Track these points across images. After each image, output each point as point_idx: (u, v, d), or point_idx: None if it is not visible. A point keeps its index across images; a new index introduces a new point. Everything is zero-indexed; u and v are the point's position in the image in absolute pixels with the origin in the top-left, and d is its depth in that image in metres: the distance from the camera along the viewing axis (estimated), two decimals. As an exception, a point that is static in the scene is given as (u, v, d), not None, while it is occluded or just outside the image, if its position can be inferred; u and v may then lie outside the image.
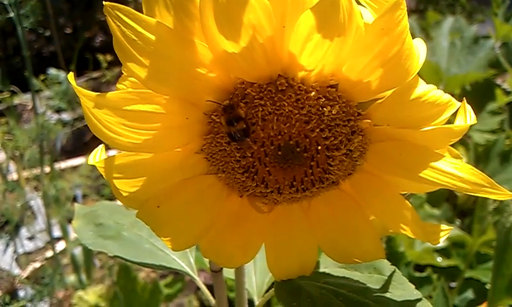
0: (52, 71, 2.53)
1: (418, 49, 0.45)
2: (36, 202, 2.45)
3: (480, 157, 2.16)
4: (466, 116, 0.50)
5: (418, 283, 1.63)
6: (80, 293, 1.86)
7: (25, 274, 2.28)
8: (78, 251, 2.14)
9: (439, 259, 1.83)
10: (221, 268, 0.66)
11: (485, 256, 1.77)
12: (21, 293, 2.20)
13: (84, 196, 2.43)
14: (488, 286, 1.39)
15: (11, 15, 1.62)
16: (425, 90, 0.45)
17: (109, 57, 2.28)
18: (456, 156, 0.52)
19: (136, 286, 1.82)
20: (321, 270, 0.61)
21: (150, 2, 0.41)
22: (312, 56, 0.42)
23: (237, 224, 0.53)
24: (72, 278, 2.14)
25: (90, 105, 0.43)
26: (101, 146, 0.52)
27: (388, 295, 0.56)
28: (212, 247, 0.54)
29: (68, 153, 3.04)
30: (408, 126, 0.46)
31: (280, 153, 0.48)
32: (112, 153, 0.50)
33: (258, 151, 0.48)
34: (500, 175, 2.07)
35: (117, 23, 0.41)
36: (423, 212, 1.91)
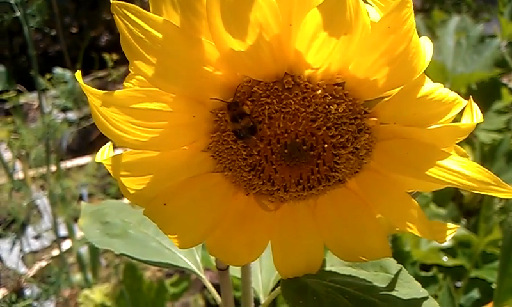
0: (58, 70, 2.54)
1: (425, 47, 0.45)
2: (42, 201, 2.46)
3: (486, 156, 2.15)
4: (473, 115, 0.50)
5: (424, 283, 1.61)
6: (86, 292, 1.87)
7: (32, 272, 2.29)
8: (84, 250, 2.15)
9: (445, 258, 1.83)
10: (228, 267, 0.67)
11: (491, 256, 1.77)
12: (27, 292, 2.21)
13: (90, 195, 2.44)
14: (493, 286, 1.39)
15: (18, 14, 1.62)
16: (432, 88, 0.45)
17: (115, 56, 2.28)
18: (463, 154, 0.51)
19: (141, 285, 1.83)
20: (327, 268, 0.61)
21: (157, 1, 0.42)
22: (319, 54, 0.42)
23: (243, 222, 0.53)
24: (78, 277, 2.15)
25: (97, 103, 0.43)
26: (108, 144, 0.53)
27: (394, 293, 0.56)
28: (218, 245, 0.54)
29: (74, 152, 3.05)
30: (415, 125, 0.46)
31: (286, 151, 0.48)
32: (119, 152, 0.50)
33: (264, 149, 0.48)
34: (506, 174, 2.07)
35: (124, 21, 0.41)
36: (429, 211, 1.91)
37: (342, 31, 0.40)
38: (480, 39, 2.65)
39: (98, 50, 3.02)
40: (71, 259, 2.36)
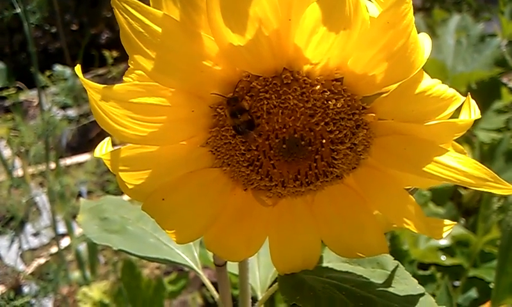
0: (58, 67, 2.54)
1: (423, 43, 0.45)
2: (41, 198, 2.46)
3: (486, 156, 2.15)
4: (471, 111, 0.50)
5: (422, 281, 1.61)
6: (84, 289, 1.87)
7: (30, 270, 2.29)
8: (83, 247, 2.15)
9: (443, 257, 1.83)
10: (225, 263, 0.67)
11: (489, 255, 1.77)
12: (26, 289, 2.21)
13: (89, 192, 2.44)
14: (492, 285, 1.39)
15: (18, 10, 1.62)
16: (430, 84, 0.45)
17: (115, 54, 2.28)
18: (460, 151, 0.52)
19: (140, 283, 1.83)
20: (324, 264, 0.61)
21: (157, -5, 0.42)
22: (318, 49, 0.42)
23: (241, 218, 0.54)
24: (76, 274, 2.15)
25: (97, 98, 0.43)
26: (107, 139, 0.53)
27: (391, 289, 0.56)
28: (216, 240, 0.54)
29: (74, 149, 3.05)
30: (413, 121, 0.46)
31: (284, 146, 0.48)
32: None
33: (263, 145, 0.49)
34: (505, 174, 2.07)
35: (124, 15, 0.41)
36: (427, 210, 1.91)
37: (341, 26, 0.40)
38: (480, 38, 2.65)
39: (98, 48, 3.02)
40: (69, 256, 2.36)
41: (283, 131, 0.47)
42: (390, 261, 0.60)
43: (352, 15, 0.39)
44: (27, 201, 2.08)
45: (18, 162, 2.33)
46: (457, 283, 1.80)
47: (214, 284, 0.70)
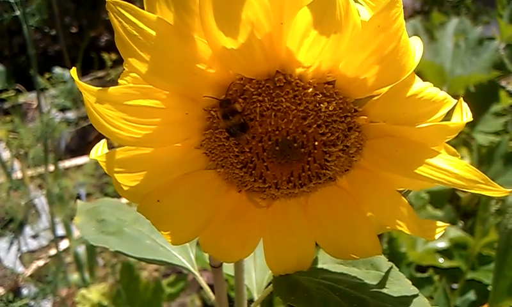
0: (58, 70, 2.55)
1: (415, 47, 0.45)
2: (40, 200, 2.46)
3: (484, 159, 2.16)
4: (463, 114, 0.51)
5: (420, 284, 1.63)
6: (83, 291, 1.87)
7: (29, 272, 2.29)
8: (81, 250, 2.15)
9: (441, 260, 1.83)
10: (221, 264, 0.67)
11: (487, 258, 1.77)
12: (24, 291, 2.21)
13: (88, 195, 2.45)
14: (490, 288, 1.39)
15: (17, 13, 1.63)
16: (422, 87, 0.45)
17: (113, 56, 2.29)
18: (453, 153, 0.52)
19: (138, 285, 1.83)
20: (319, 266, 0.62)
21: (151, -1, 0.42)
22: (309, 53, 0.43)
23: (235, 219, 0.54)
24: (75, 276, 2.15)
25: (92, 100, 0.44)
26: (103, 141, 0.53)
27: (385, 290, 0.57)
28: (211, 241, 0.55)
29: (73, 152, 3.05)
30: (404, 123, 0.47)
31: (277, 148, 0.49)
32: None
33: (256, 147, 0.49)
34: (503, 177, 2.08)
35: (119, 19, 0.41)
36: (425, 213, 1.91)
37: (332, 30, 0.40)
38: (478, 41, 2.66)
39: (97, 51, 3.02)
40: (68, 258, 2.36)
41: (276, 133, 0.48)
42: (384, 263, 0.61)
43: (343, 18, 0.40)
44: (26, 203, 2.08)
45: (17, 164, 2.34)
46: (455, 286, 1.80)
47: (212, 286, 0.71)
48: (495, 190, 0.47)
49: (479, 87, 2.44)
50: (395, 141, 0.48)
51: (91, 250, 2.10)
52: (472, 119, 0.50)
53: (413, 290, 0.57)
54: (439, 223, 0.54)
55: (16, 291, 2.18)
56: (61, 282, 1.96)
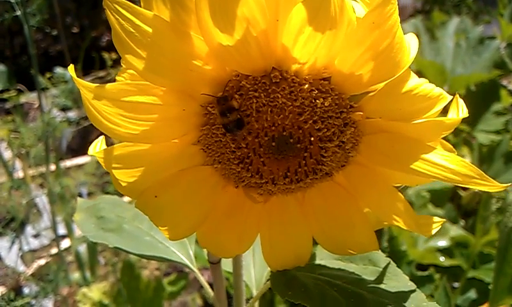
0: (59, 70, 2.55)
1: (410, 44, 0.46)
2: (42, 200, 2.47)
3: (485, 158, 2.16)
4: (458, 110, 0.51)
5: (420, 282, 1.63)
6: (84, 290, 1.88)
7: (30, 271, 2.30)
8: (83, 249, 2.16)
9: (442, 258, 1.83)
10: (219, 260, 0.68)
11: (488, 256, 1.77)
12: (26, 290, 2.22)
13: (89, 194, 2.45)
14: (491, 287, 1.40)
15: (18, 13, 1.63)
16: (417, 83, 0.46)
17: (114, 56, 2.29)
18: (449, 149, 0.52)
19: (139, 284, 1.84)
20: (317, 262, 0.62)
21: (148, -4, 0.43)
22: (305, 49, 0.43)
23: (233, 215, 0.54)
24: (76, 275, 2.16)
25: (89, 96, 0.44)
26: (101, 138, 0.54)
27: (382, 286, 0.57)
28: (208, 236, 0.55)
29: (74, 151, 3.06)
30: (400, 119, 0.47)
31: (273, 144, 0.49)
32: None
33: (252, 142, 0.49)
34: (504, 176, 2.08)
35: (116, 16, 0.42)
36: (426, 211, 1.91)
37: (326, 26, 0.41)
38: (479, 40, 2.66)
39: (98, 50, 3.03)
40: (69, 257, 2.37)
41: (272, 129, 0.48)
42: (381, 258, 0.61)
43: (337, 15, 0.40)
44: (28, 202, 2.09)
45: (18, 164, 2.34)
46: (456, 284, 1.80)
47: (212, 284, 0.71)
48: (490, 185, 0.47)
49: (480, 86, 2.44)
50: (391, 137, 0.48)
51: (93, 249, 2.11)
52: (467, 115, 0.51)
53: (411, 285, 0.57)
54: (435, 219, 0.55)
55: (17, 290, 2.19)
56: (62, 281, 1.97)
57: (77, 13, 4.53)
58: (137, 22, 0.42)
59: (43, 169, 2.01)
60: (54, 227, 1.98)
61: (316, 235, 0.56)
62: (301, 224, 0.55)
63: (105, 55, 2.30)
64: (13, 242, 2.05)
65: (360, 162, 0.52)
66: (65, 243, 2.38)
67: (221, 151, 0.51)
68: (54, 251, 2.37)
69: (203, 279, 0.72)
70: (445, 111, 0.51)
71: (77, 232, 2.10)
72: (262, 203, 0.54)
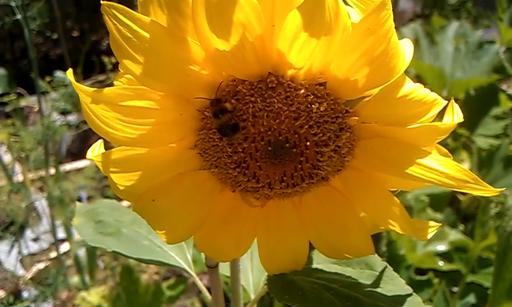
0: (59, 73, 2.56)
1: (405, 49, 0.46)
2: (41, 203, 2.47)
3: (484, 162, 2.16)
4: (454, 115, 0.52)
5: (419, 286, 1.63)
6: (83, 294, 1.88)
7: (30, 274, 2.30)
8: (82, 253, 2.16)
9: (441, 263, 1.83)
10: (217, 264, 0.68)
11: (487, 261, 1.77)
12: (25, 294, 2.22)
13: (89, 198, 2.45)
14: (489, 291, 1.40)
15: (19, 17, 1.64)
16: (412, 88, 0.46)
17: (114, 60, 2.30)
18: (445, 154, 0.53)
19: (138, 288, 1.84)
20: (314, 266, 0.62)
21: (145, 1, 0.43)
22: (300, 54, 0.43)
23: (229, 219, 0.55)
24: (75, 279, 2.16)
25: (88, 101, 0.45)
26: (99, 141, 0.54)
27: (379, 290, 0.57)
28: (205, 240, 0.55)
29: (74, 155, 3.06)
30: (395, 124, 0.47)
31: (270, 148, 0.49)
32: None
33: (249, 147, 0.50)
34: (503, 180, 2.08)
35: (113, 21, 0.42)
36: (425, 216, 1.92)
37: (321, 32, 0.41)
38: (478, 45, 2.67)
39: (99, 54, 3.03)
40: (69, 261, 2.37)
41: (268, 134, 0.49)
42: (378, 262, 0.61)
43: (332, 20, 0.40)
44: (27, 206, 2.09)
45: (18, 167, 2.35)
46: (455, 289, 1.80)
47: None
48: (485, 190, 0.47)
49: (479, 90, 2.45)
50: (386, 142, 0.49)
51: (92, 253, 2.11)
52: (463, 120, 0.51)
53: (407, 289, 0.57)
54: (431, 223, 0.55)
55: (16, 294, 2.19)
56: (62, 285, 1.97)
57: (78, 17, 4.54)
58: (135, 27, 0.42)
59: (42, 172, 2.01)
60: (53, 231, 1.98)
61: (313, 239, 0.56)
62: (297, 229, 0.56)
63: (105, 59, 2.30)
64: (12, 246, 2.06)
65: (355, 166, 0.52)
66: (64, 247, 2.38)
67: (217, 156, 0.51)
68: (53, 254, 2.37)
69: (201, 283, 0.72)
70: (441, 116, 0.51)
71: (76, 236, 2.10)
72: (258, 208, 0.55)
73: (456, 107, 0.52)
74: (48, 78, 2.18)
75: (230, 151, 0.50)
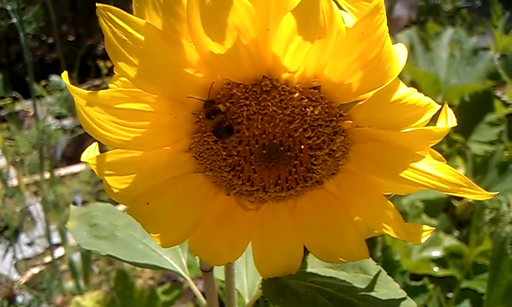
0: (54, 78, 2.55)
1: (399, 53, 0.46)
2: (36, 208, 2.46)
3: (479, 168, 2.17)
4: (447, 119, 0.52)
5: (414, 292, 1.63)
6: (77, 298, 1.86)
7: (24, 279, 2.29)
8: (76, 257, 2.15)
9: (436, 269, 1.83)
10: (212, 268, 0.68)
11: (482, 267, 1.78)
12: (19, 299, 2.20)
13: (84, 202, 2.45)
14: (484, 297, 1.40)
15: (14, 21, 1.64)
16: (406, 93, 0.46)
17: (109, 64, 2.30)
18: (439, 158, 0.53)
19: (133, 293, 1.83)
20: (308, 270, 0.62)
21: (140, 4, 0.43)
22: (295, 58, 0.43)
23: (224, 222, 0.55)
24: (70, 284, 2.15)
25: (82, 103, 0.45)
26: (94, 144, 0.54)
27: (373, 293, 0.58)
28: (200, 244, 0.55)
29: (69, 159, 3.05)
30: (389, 128, 0.48)
31: (264, 151, 0.49)
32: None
33: (243, 150, 0.50)
34: (497, 186, 2.09)
35: (108, 24, 0.42)
36: (420, 221, 1.92)
37: (316, 35, 0.41)
38: (473, 51, 2.69)
39: (94, 59, 3.03)
40: (63, 266, 2.36)
41: (262, 137, 0.49)
42: (372, 266, 0.61)
43: (327, 24, 0.41)
44: (22, 210, 2.09)
45: (13, 172, 2.34)
46: (450, 295, 1.80)
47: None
48: (478, 194, 0.48)
49: (474, 96, 2.46)
50: (380, 145, 0.49)
51: (86, 257, 2.10)
52: (456, 124, 0.51)
53: (401, 293, 0.57)
54: (425, 227, 0.55)
55: (11, 299, 2.18)
56: (56, 289, 1.96)
57: (73, 21, 4.54)
58: (130, 29, 0.42)
59: (37, 177, 2.01)
60: (47, 235, 1.98)
61: (307, 243, 0.56)
62: (292, 232, 0.56)
63: (101, 63, 2.30)
64: (6, 250, 2.05)
65: (350, 170, 0.52)
66: (59, 251, 2.37)
67: (212, 159, 0.51)
68: (48, 259, 2.36)
69: (195, 288, 0.72)
70: (435, 121, 0.52)
71: (71, 240, 2.10)
72: (253, 211, 0.55)
73: (450, 111, 0.52)
74: (43, 83, 2.18)
75: (224, 155, 0.50)
